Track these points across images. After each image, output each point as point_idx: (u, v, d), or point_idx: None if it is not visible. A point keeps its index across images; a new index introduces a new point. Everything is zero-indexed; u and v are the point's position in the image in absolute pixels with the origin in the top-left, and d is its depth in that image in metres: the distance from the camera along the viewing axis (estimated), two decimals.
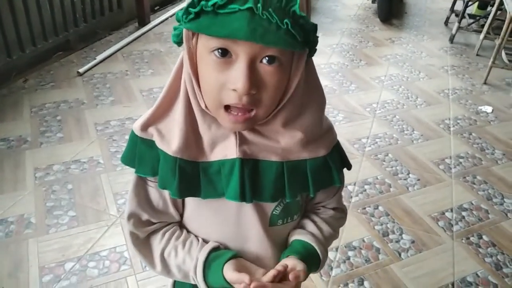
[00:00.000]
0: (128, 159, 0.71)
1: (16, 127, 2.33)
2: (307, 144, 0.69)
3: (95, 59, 3.07)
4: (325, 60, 3.46)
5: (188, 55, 0.62)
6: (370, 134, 2.56)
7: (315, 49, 0.65)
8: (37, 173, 2.03)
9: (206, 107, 0.64)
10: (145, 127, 0.68)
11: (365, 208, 2.00)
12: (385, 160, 2.35)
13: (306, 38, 0.58)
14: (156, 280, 1.57)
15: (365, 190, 2.11)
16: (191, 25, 0.57)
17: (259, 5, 0.53)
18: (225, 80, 0.59)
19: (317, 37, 0.62)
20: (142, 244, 0.77)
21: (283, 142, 0.67)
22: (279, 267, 0.68)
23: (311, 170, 0.70)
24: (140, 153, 0.69)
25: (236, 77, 0.58)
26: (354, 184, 2.14)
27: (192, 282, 0.76)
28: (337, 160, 0.73)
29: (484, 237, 1.90)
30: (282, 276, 0.68)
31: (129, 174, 2.05)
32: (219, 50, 0.58)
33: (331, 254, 1.74)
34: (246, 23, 0.53)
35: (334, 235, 0.84)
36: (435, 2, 5.20)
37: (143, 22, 3.75)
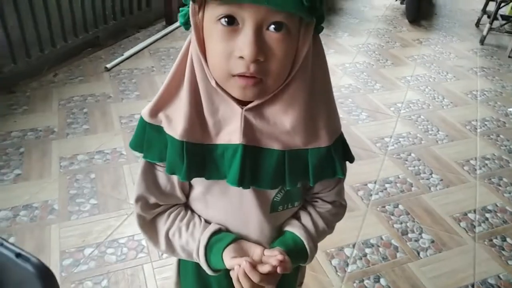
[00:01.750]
0: (136, 144, 0.72)
1: (44, 119, 2.41)
2: (312, 128, 0.67)
3: (122, 55, 3.15)
4: (350, 59, 3.44)
5: (194, 30, 0.62)
6: (394, 134, 2.52)
7: (322, 27, 0.64)
8: (62, 162, 2.09)
9: (216, 84, 0.63)
10: (154, 113, 0.69)
11: (384, 207, 1.97)
12: (408, 160, 2.31)
13: (313, 4, 0.57)
14: (171, 268, 1.59)
15: (385, 189, 2.08)
16: None
17: None
18: (232, 48, 0.59)
19: (323, 8, 0.61)
20: (148, 225, 0.79)
21: (289, 123, 0.65)
22: (273, 262, 0.69)
23: (312, 160, 0.69)
24: (149, 139, 0.70)
25: (243, 43, 0.58)
26: (375, 183, 2.11)
27: (196, 261, 0.77)
28: (340, 151, 0.72)
29: (508, 239, 1.84)
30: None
31: None
32: (226, 18, 0.58)
33: (347, 250, 1.72)
34: None
35: (328, 231, 0.83)
36: (466, 3, 5.08)
37: (170, 21, 3.81)
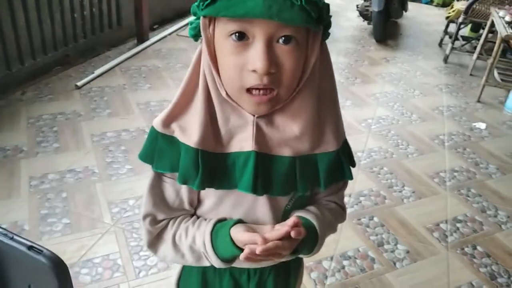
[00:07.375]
0: (146, 155, 0.71)
1: (12, 137, 2.34)
2: (319, 133, 0.69)
3: (93, 73, 3.11)
4: None
5: (206, 43, 0.63)
6: (366, 148, 2.58)
7: (329, 33, 0.66)
8: (32, 181, 2.03)
9: (227, 95, 0.64)
10: (167, 123, 0.68)
11: (360, 219, 2.00)
12: (380, 173, 2.36)
13: (320, 15, 0.59)
14: (149, 287, 1.56)
15: (360, 202, 2.12)
16: (209, 10, 0.59)
17: None
18: (244, 62, 0.60)
19: (330, 16, 0.63)
20: (156, 239, 0.77)
21: (298, 129, 0.67)
22: (289, 222, 0.64)
23: (322, 164, 0.70)
24: (160, 149, 0.69)
25: (254, 57, 0.59)
26: (350, 196, 2.15)
27: (205, 263, 0.75)
28: (347, 155, 0.74)
29: (478, 247, 1.89)
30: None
31: (124, 184, 2.06)
32: (236, 34, 0.59)
33: (326, 263, 1.73)
34: (261, 1, 0.55)
35: (334, 225, 0.83)
36: (429, 25, 5.31)
37: (141, 40, 3.80)
